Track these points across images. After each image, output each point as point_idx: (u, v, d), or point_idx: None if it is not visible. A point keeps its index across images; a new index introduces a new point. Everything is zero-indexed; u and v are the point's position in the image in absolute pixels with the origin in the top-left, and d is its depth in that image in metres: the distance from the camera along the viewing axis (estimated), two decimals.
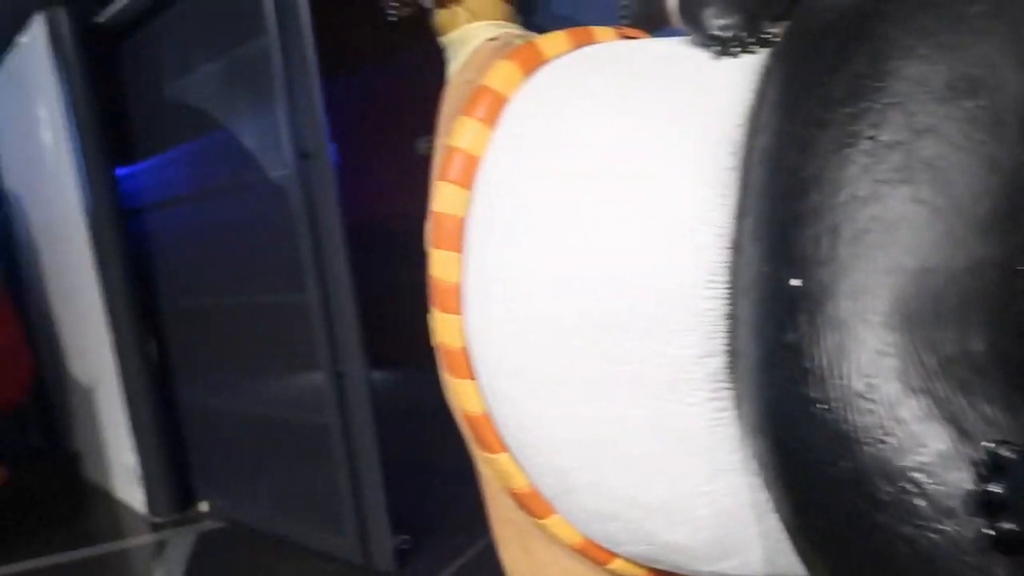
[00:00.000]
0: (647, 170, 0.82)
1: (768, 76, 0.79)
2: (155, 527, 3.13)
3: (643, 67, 0.89)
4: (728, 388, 0.84)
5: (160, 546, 2.94)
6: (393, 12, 1.27)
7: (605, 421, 0.89)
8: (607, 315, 0.84)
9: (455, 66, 1.32)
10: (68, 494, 3.70)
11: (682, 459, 0.88)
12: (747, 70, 0.82)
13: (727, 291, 0.80)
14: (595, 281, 0.84)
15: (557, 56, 1.00)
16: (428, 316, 1.16)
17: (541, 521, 1.09)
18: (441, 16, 1.33)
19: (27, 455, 4.43)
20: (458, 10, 1.30)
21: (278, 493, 2.81)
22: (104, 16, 2.88)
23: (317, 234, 2.28)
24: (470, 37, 1.29)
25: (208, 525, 3.06)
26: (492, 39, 1.26)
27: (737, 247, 0.78)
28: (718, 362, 0.83)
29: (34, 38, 3.00)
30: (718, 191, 0.79)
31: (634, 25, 1.08)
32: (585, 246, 0.84)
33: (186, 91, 2.73)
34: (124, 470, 3.31)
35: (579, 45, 1.01)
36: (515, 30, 1.28)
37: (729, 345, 0.82)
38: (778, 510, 0.78)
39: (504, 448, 1.06)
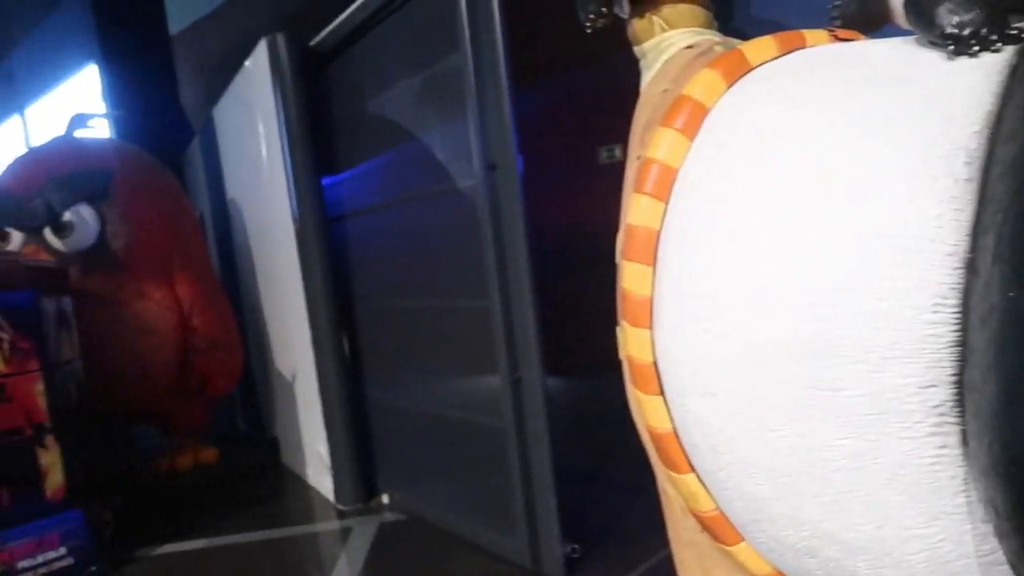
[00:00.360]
0: (865, 184, 0.76)
1: (1016, 77, 0.70)
2: (341, 514, 3.35)
3: (863, 71, 0.82)
4: (953, 424, 0.75)
5: (345, 532, 3.14)
6: (590, 23, 1.27)
7: (805, 450, 0.83)
8: (813, 338, 0.78)
9: (649, 76, 1.30)
10: (267, 477, 4.05)
11: (892, 498, 0.80)
12: (988, 71, 0.74)
13: (957, 316, 0.72)
14: (802, 301, 0.79)
15: (763, 62, 0.95)
16: (616, 328, 1.14)
17: (727, 547, 1.04)
18: (636, 25, 1.31)
19: (234, 439, 4.90)
20: (654, 19, 1.28)
21: (453, 491, 2.91)
22: (316, 40, 3.15)
23: (501, 243, 2.34)
24: (666, 46, 1.27)
25: (388, 516, 3.22)
26: (689, 47, 1.23)
27: (972, 268, 0.70)
28: (942, 394, 0.75)
29: (257, 61, 3.34)
30: (949, 206, 0.71)
31: (848, 25, 1.01)
32: (792, 264, 0.79)
33: (384, 106, 2.91)
34: (316, 458, 3.57)
35: (788, 50, 0.96)
36: (714, 37, 1.25)
37: (957, 376, 0.74)
38: (1013, 565, 0.70)
39: (691, 468, 1.02)
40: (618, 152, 4.67)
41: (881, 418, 0.77)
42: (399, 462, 3.27)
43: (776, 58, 0.96)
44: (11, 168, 3.84)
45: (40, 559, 2.75)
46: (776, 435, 0.84)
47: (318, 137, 3.23)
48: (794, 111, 0.85)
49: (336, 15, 2.94)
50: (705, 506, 1.02)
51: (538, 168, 4.39)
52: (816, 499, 0.84)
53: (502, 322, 2.38)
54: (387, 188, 3.02)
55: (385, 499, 3.36)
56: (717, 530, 1.03)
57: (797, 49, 0.97)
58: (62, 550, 2.80)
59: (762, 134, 0.86)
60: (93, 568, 2.85)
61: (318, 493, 3.60)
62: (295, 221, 3.22)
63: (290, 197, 3.21)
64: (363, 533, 3.08)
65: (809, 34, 0.99)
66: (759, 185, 0.84)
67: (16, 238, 3.53)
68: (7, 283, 2.78)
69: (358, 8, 2.82)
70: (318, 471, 3.57)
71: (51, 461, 2.84)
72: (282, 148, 3.19)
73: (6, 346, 2.73)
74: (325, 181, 3.28)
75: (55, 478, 2.85)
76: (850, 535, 0.84)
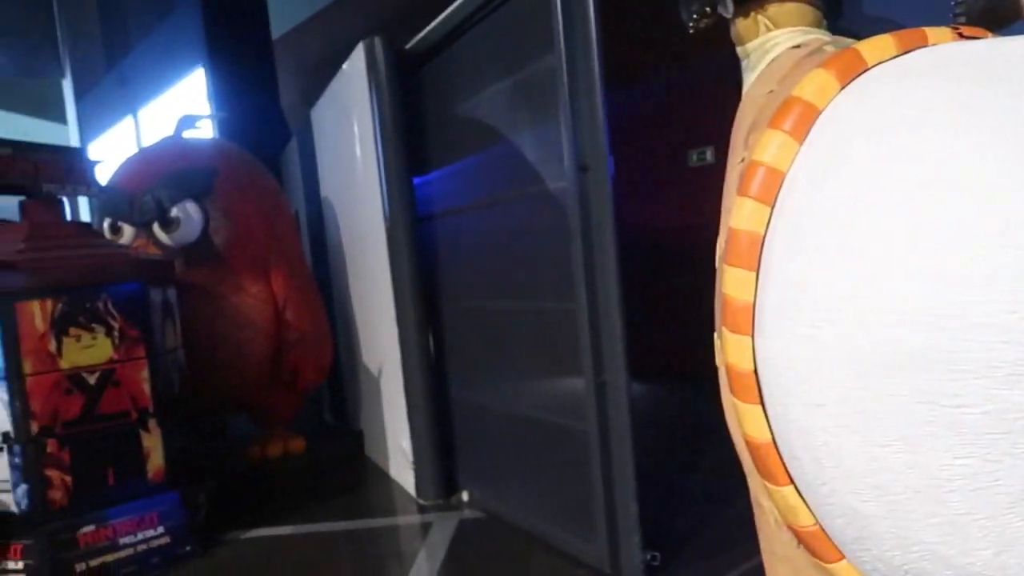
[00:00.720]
0: (995, 190, 0.71)
1: None
2: (421, 508, 3.40)
3: (994, 71, 0.77)
4: None
5: (425, 527, 3.18)
6: (693, 23, 1.25)
7: (918, 468, 0.79)
8: (933, 349, 0.74)
9: (752, 77, 1.26)
10: (351, 468, 4.15)
11: (1015, 523, 0.75)
12: None
13: None
14: (921, 310, 0.75)
15: (881, 62, 0.91)
16: (713, 335, 1.12)
17: (826, 565, 1.00)
18: (740, 25, 1.28)
19: (321, 430, 5.04)
20: (759, 18, 1.25)
21: (533, 492, 2.91)
22: (412, 43, 3.21)
23: (590, 245, 2.33)
24: (771, 46, 1.24)
25: (468, 514, 3.25)
26: (796, 47, 1.19)
27: None
28: None
29: (354, 64, 3.43)
30: None
31: (974, 23, 0.96)
32: (911, 272, 0.75)
33: (476, 108, 2.95)
34: (399, 453, 3.64)
35: (908, 49, 0.91)
36: (823, 36, 1.20)
37: None
38: None
39: (790, 480, 0.99)
40: (709, 155, 4.59)
41: (1006, 438, 0.73)
42: (480, 460, 3.30)
43: (895, 57, 0.92)
44: (124, 166, 4.07)
45: (140, 536, 2.89)
46: (887, 450, 0.80)
47: (411, 138, 3.29)
48: (916, 113, 0.81)
49: (431, 18, 2.99)
50: (804, 521, 0.99)
51: (627, 170, 4.37)
52: (929, 520, 0.79)
53: (588, 325, 2.37)
54: (477, 189, 3.05)
55: (465, 496, 3.39)
56: (816, 546, 0.99)
57: (918, 48, 0.92)
58: (160, 529, 2.94)
59: (880, 136, 0.82)
60: (188, 548, 2.99)
61: (399, 487, 3.67)
62: (386, 220, 3.29)
63: (382, 197, 3.28)
64: (443, 529, 3.12)
65: (931, 32, 0.94)
66: (876, 189, 0.80)
67: (128, 232, 3.74)
68: (119, 275, 2.95)
69: (453, 12, 2.86)
70: (400, 465, 3.64)
71: (153, 444, 3.00)
72: (376, 149, 3.26)
73: (116, 334, 2.89)
74: (416, 181, 3.33)
75: (156, 461, 3.00)
76: (965, 560, 0.79)
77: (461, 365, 3.35)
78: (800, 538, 1.02)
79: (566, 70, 2.29)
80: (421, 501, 3.43)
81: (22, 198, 3.03)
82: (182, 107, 5.49)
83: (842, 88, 0.92)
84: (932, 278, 0.75)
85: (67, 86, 10.66)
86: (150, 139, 5.15)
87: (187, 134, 4.24)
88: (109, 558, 2.80)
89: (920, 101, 0.81)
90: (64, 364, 2.76)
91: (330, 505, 3.56)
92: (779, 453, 0.98)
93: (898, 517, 0.82)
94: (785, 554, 1.12)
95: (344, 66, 3.53)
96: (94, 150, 9.28)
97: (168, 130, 4.25)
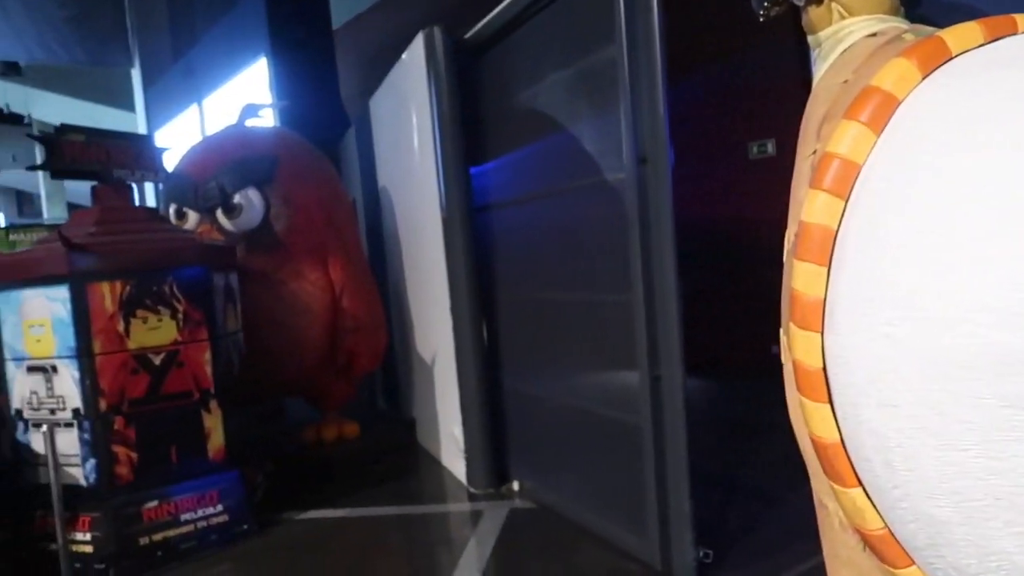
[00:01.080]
0: None
1: None
2: (472, 497, 3.42)
3: None
4: None
5: (475, 516, 3.20)
6: (764, 11, 1.22)
7: (1000, 475, 0.76)
8: (1019, 351, 0.71)
9: (824, 66, 1.23)
10: (403, 455, 4.19)
11: None
12: None
13: None
14: (1006, 310, 0.71)
15: (966, 51, 0.87)
16: (780, 331, 1.09)
17: (895, 570, 0.97)
18: (812, 13, 1.25)
19: (374, 417, 5.12)
20: (833, 5, 1.21)
21: (585, 484, 2.90)
22: (471, 33, 3.21)
23: (648, 238, 2.30)
24: (845, 34, 1.20)
25: (519, 504, 3.26)
26: (872, 35, 1.15)
27: None
28: None
29: (413, 54, 3.45)
30: None
31: None
32: (997, 270, 0.72)
33: (535, 98, 2.93)
34: (451, 441, 3.67)
35: (996, 37, 0.87)
36: (901, 24, 1.16)
37: None
38: None
39: (858, 482, 0.96)
40: (770, 147, 4.50)
41: None
42: (531, 451, 3.30)
43: (982, 46, 0.88)
44: (189, 154, 4.18)
45: (200, 513, 2.97)
46: (966, 455, 0.77)
47: (468, 128, 3.29)
48: (1005, 103, 0.77)
49: (490, 8, 2.98)
50: (872, 524, 0.96)
51: (686, 162, 4.30)
52: (1009, 528, 0.76)
53: (644, 318, 2.35)
54: (534, 180, 3.04)
55: (516, 486, 3.40)
56: (884, 551, 0.96)
57: (1008, 36, 0.88)
58: (219, 507, 3.02)
59: (967, 129, 0.78)
60: (245, 526, 3.06)
61: (451, 475, 3.69)
62: (442, 210, 3.31)
63: (439, 186, 3.29)
64: (493, 518, 3.13)
65: (1022, 19, 0.89)
66: (962, 184, 0.77)
67: (192, 218, 3.85)
68: (184, 260, 3.04)
69: (512, 1, 2.85)
70: (452, 453, 3.67)
71: (214, 424, 3.08)
72: (433, 138, 3.28)
73: (180, 316, 2.98)
74: (473, 171, 3.34)
75: (216, 440, 3.08)
76: None
77: (514, 356, 3.35)
78: (867, 542, 0.99)
79: (627, 61, 2.26)
80: (472, 489, 3.44)
81: (93, 183, 3.14)
82: (245, 96, 5.60)
83: (924, 78, 0.88)
84: (1020, 277, 0.72)
85: (136, 75, 11.01)
86: (214, 127, 5.27)
87: (249, 123, 4.33)
88: (171, 533, 2.88)
89: (1010, 92, 0.77)
90: (131, 344, 2.85)
91: (382, 490, 3.61)
92: (847, 454, 0.96)
93: (976, 524, 0.79)
94: (850, 558, 1.09)
95: (403, 56, 3.55)
96: (161, 137, 9.56)
97: (231, 119, 4.34)
